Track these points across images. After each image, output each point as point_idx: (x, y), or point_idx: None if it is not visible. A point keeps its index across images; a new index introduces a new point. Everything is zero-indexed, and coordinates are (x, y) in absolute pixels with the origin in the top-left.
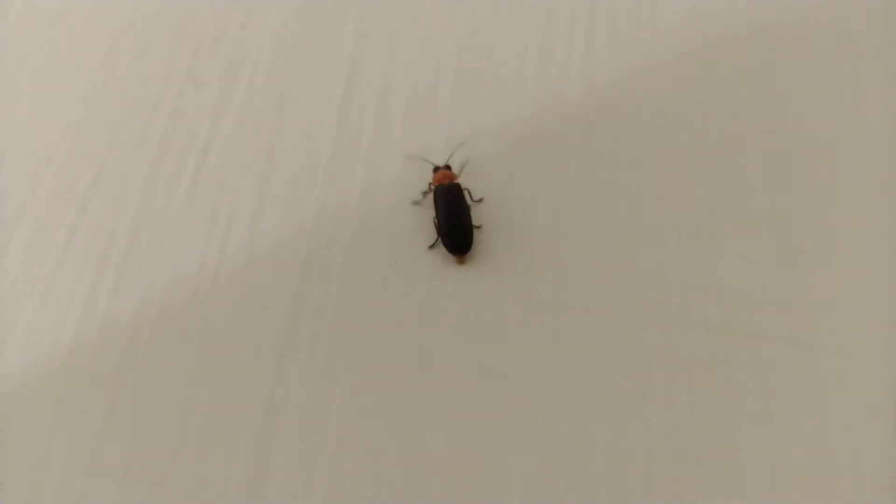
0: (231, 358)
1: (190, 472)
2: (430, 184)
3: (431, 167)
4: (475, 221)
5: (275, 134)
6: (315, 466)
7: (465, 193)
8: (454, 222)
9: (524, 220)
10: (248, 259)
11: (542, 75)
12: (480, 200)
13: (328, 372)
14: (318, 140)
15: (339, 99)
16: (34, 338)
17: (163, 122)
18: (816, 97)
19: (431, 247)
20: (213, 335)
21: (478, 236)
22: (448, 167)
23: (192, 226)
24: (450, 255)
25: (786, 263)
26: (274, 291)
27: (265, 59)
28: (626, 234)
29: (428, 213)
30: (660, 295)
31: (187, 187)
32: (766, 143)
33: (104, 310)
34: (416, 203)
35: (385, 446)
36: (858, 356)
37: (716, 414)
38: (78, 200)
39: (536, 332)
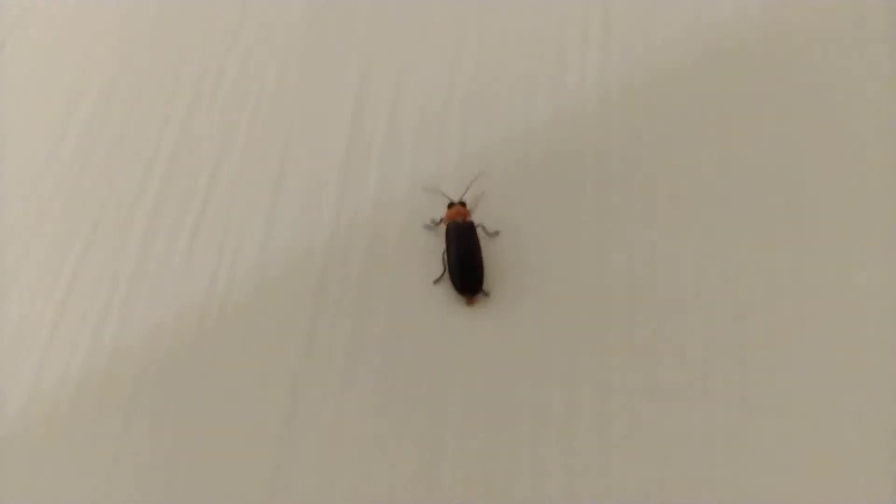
0: (243, 386)
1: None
2: (443, 219)
3: (446, 199)
4: (486, 258)
5: (282, 163)
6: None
7: (480, 229)
8: (465, 262)
9: (536, 252)
10: (258, 288)
11: (555, 93)
12: (496, 233)
13: (341, 401)
14: (326, 164)
15: (348, 125)
16: (43, 374)
17: (165, 160)
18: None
19: (437, 281)
20: (223, 367)
21: (489, 273)
22: (463, 203)
23: (199, 257)
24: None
25: (809, 332)
26: (285, 320)
27: (269, 89)
28: (643, 295)
29: (439, 239)
30: (680, 367)
31: (195, 217)
32: (784, 188)
33: (112, 341)
34: (428, 227)
35: (400, 470)
36: (887, 426)
37: (739, 494)
38: (80, 245)
39: (546, 396)
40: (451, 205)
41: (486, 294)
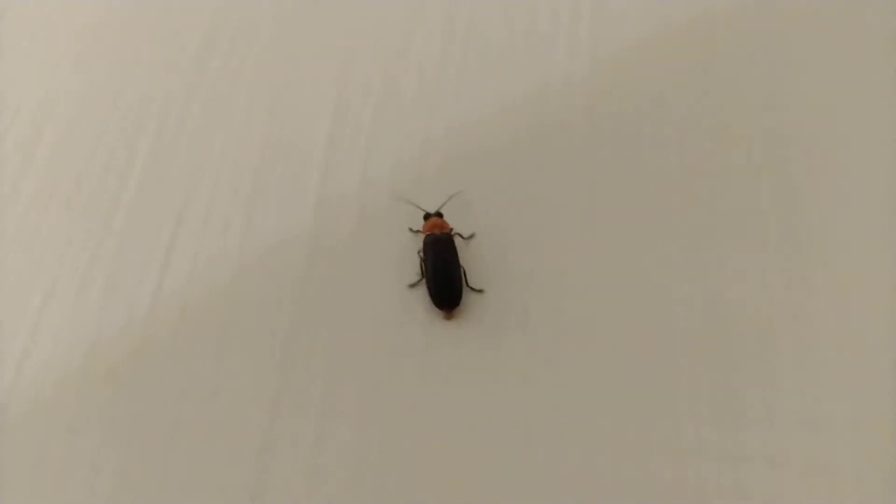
0: (224, 388)
1: None
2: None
3: (422, 214)
4: (468, 270)
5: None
6: None
7: (457, 237)
8: (442, 275)
9: (519, 257)
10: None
11: (541, 96)
12: (472, 236)
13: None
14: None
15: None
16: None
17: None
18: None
19: (412, 286)
20: (201, 369)
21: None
22: (440, 214)
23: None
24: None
25: (807, 382)
26: (261, 346)
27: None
28: (635, 336)
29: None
30: (670, 421)
31: (172, 226)
32: (780, 225)
33: (89, 343)
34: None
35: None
36: (882, 483)
37: None
38: None
39: (531, 450)
40: (427, 216)
41: (480, 290)
